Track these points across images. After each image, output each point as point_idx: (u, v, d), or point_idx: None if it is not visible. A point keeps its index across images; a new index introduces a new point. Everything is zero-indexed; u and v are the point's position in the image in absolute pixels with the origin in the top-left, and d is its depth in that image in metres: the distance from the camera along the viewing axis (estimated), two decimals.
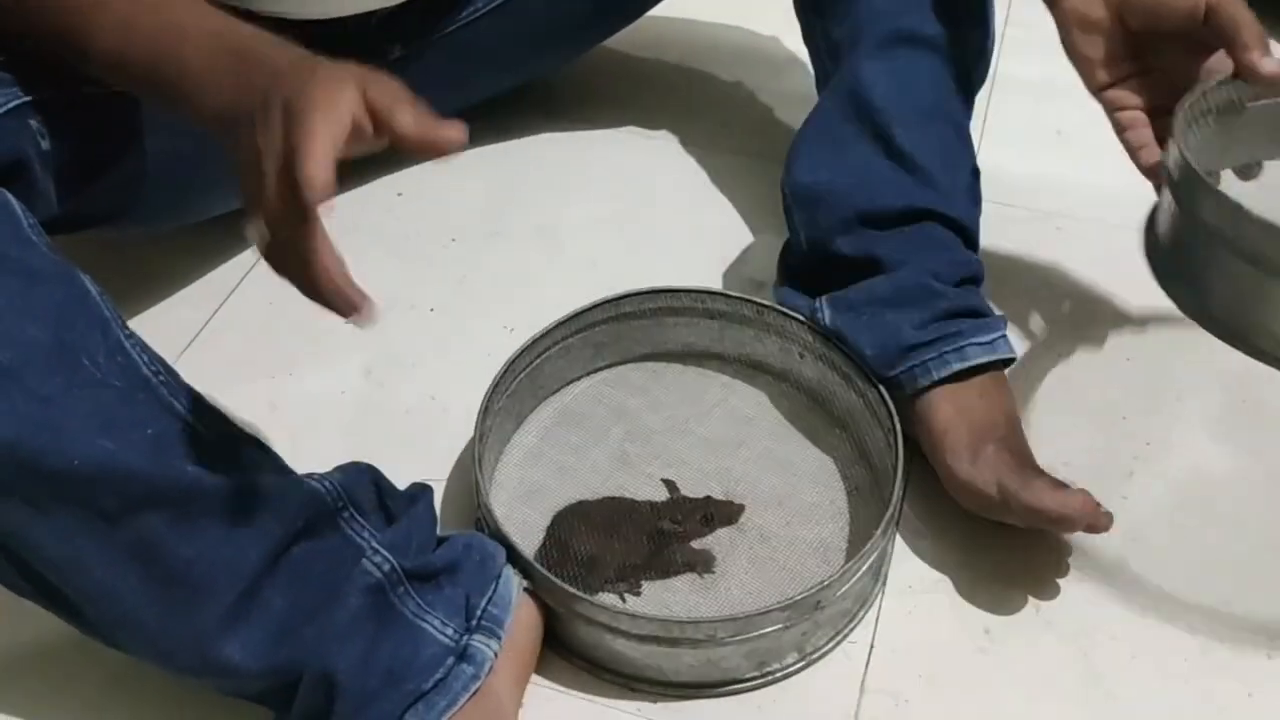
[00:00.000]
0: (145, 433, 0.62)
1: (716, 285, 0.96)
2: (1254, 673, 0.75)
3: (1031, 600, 0.79)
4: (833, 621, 0.75)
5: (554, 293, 0.92)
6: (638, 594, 0.76)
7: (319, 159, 0.53)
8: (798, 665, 0.75)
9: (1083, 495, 0.73)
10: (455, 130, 0.56)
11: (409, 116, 0.55)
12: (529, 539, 0.79)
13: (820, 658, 0.75)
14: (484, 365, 0.82)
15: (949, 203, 0.85)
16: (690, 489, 0.82)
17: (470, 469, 0.78)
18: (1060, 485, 0.75)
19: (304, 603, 0.65)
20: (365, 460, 0.72)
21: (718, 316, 0.89)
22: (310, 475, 0.68)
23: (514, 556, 0.73)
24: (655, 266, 0.99)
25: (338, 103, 0.55)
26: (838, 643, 0.76)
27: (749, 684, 0.74)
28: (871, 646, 0.76)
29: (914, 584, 0.80)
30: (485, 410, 0.79)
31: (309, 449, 0.75)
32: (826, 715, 0.73)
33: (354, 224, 1.00)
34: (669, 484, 0.81)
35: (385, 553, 0.67)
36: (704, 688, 0.73)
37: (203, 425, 0.65)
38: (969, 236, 0.87)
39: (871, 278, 0.83)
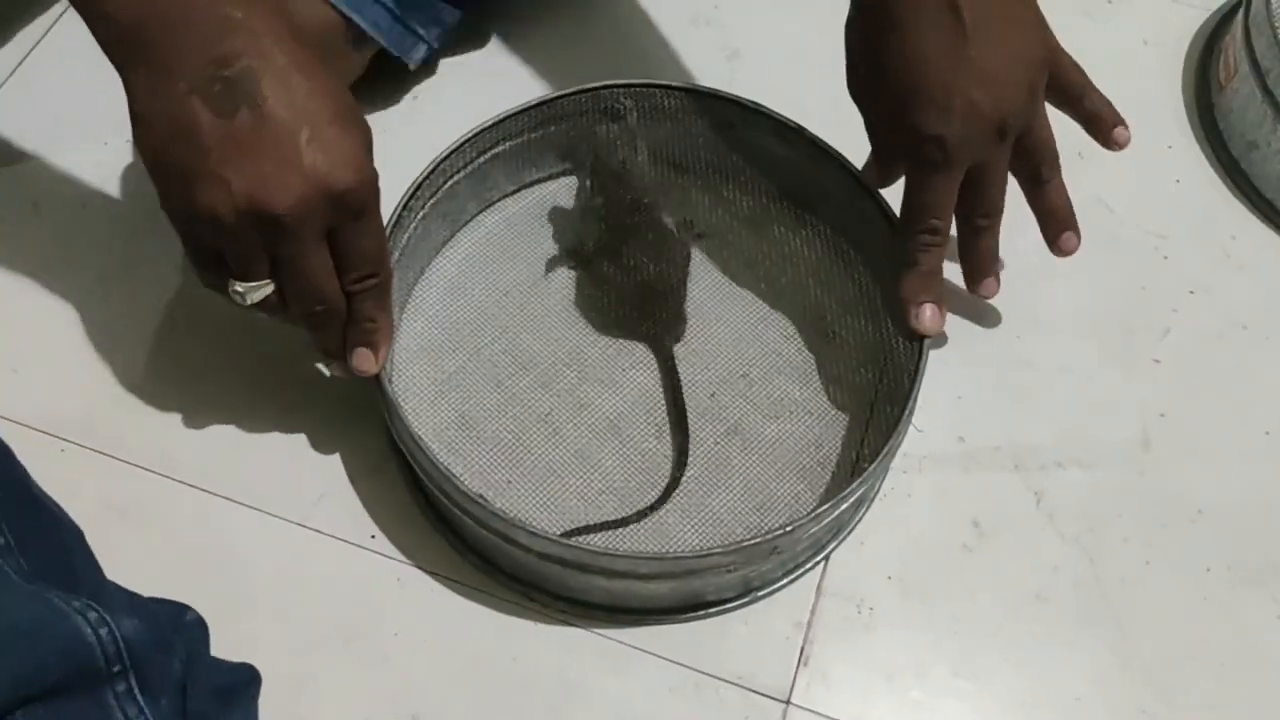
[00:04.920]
0: None
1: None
2: None
3: (1031, 487, 0.65)
4: (794, 556, 0.60)
5: None
6: None
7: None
8: (739, 601, 0.60)
9: None
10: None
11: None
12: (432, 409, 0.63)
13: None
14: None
15: None
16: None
17: None
18: None
19: None
20: None
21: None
22: (89, 606, 0.45)
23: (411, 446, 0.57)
24: None
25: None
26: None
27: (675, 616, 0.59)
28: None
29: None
30: (399, 216, 0.61)
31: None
32: (772, 626, 0.61)
33: None
34: None
35: None
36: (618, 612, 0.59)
37: None
38: None
39: None
